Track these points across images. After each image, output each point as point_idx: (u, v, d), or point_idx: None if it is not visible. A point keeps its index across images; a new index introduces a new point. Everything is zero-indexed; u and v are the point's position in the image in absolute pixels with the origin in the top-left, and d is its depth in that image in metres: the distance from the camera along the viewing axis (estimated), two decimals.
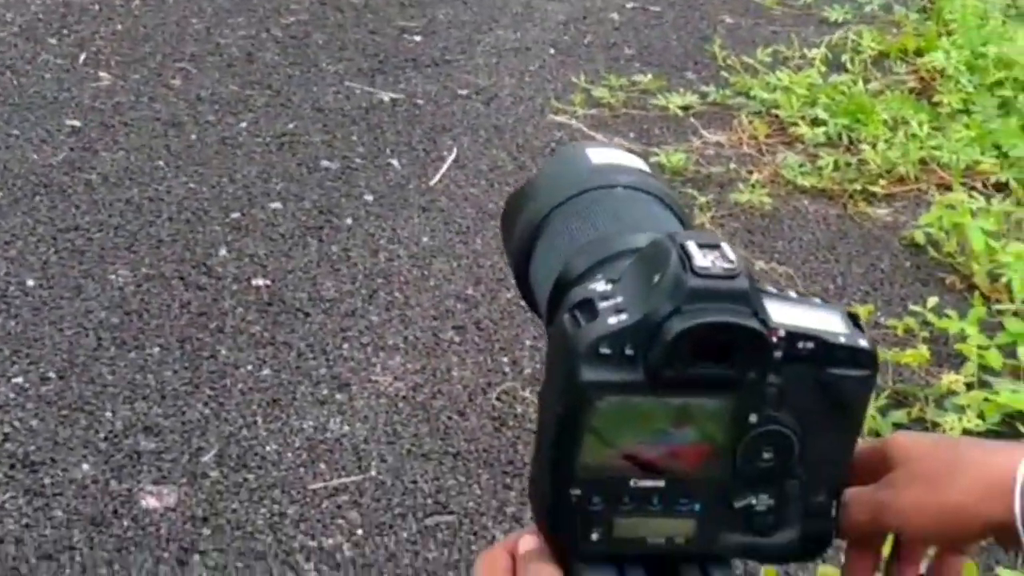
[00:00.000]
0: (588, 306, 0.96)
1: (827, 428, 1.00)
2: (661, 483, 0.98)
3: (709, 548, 1.02)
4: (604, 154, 1.26)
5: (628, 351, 0.93)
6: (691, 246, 0.94)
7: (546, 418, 0.98)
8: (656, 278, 0.94)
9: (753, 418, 0.97)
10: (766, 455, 0.99)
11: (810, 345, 0.97)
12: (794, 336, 0.96)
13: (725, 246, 0.95)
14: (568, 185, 1.21)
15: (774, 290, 1.01)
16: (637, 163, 1.28)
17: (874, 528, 1.05)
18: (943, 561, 1.08)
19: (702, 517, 1.00)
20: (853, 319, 1.02)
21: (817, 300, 1.03)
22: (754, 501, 1.01)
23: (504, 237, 1.30)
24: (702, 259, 0.93)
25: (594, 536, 0.99)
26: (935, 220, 3.56)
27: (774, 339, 0.95)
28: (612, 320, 0.93)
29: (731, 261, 0.94)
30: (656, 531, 1.00)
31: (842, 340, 0.98)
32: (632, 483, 0.97)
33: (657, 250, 0.96)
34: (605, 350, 0.93)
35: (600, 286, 0.98)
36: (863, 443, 1.11)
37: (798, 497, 1.02)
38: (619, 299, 0.95)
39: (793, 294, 1.02)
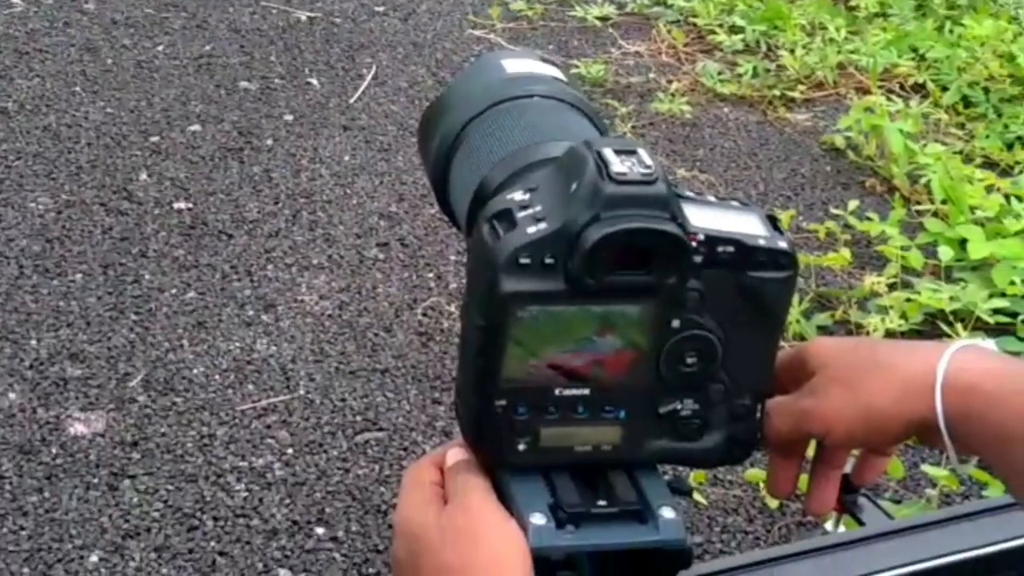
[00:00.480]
0: (507, 216, 0.95)
1: (749, 331, 1.00)
2: (586, 391, 0.98)
3: (635, 455, 1.02)
4: (519, 64, 1.25)
5: (548, 260, 0.92)
6: (608, 153, 0.93)
7: (469, 330, 0.97)
8: (574, 186, 0.93)
9: (675, 323, 0.97)
10: (689, 360, 0.99)
11: (730, 249, 0.97)
12: (714, 240, 0.96)
13: (642, 151, 0.95)
14: (484, 96, 1.20)
15: (692, 194, 1.01)
16: (552, 71, 1.27)
17: (798, 436, 1.05)
18: (866, 462, 1.09)
19: (628, 424, 1.00)
20: (772, 221, 1.02)
21: (735, 203, 1.03)
22: (679, 406, 1.01)
23: (421, 150, 1.29)
24: (619, 165, 0.92)
25: (520, 446, 0.99)
26: (854, 123, 3.58)
27: (694, 244, 0.94)
28: (531, 229, 0.93)
29: (648, 166, 0.93)
30: (582, 439, 1.00)
31: (761, 243, 0.98)
32: (557, 392, 0.98)
33: (574, 158, 0.96)
34: (525, 260, 0.92)
35: (518, 195, 0.97)
36: (783, 351, 1.12)
37: (723, 401, 1.02)
38: (537, 208, 0.95)
39: (712, 198, 1.02)
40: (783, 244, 0.99)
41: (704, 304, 0.97)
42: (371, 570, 2.21)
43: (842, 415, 1.02)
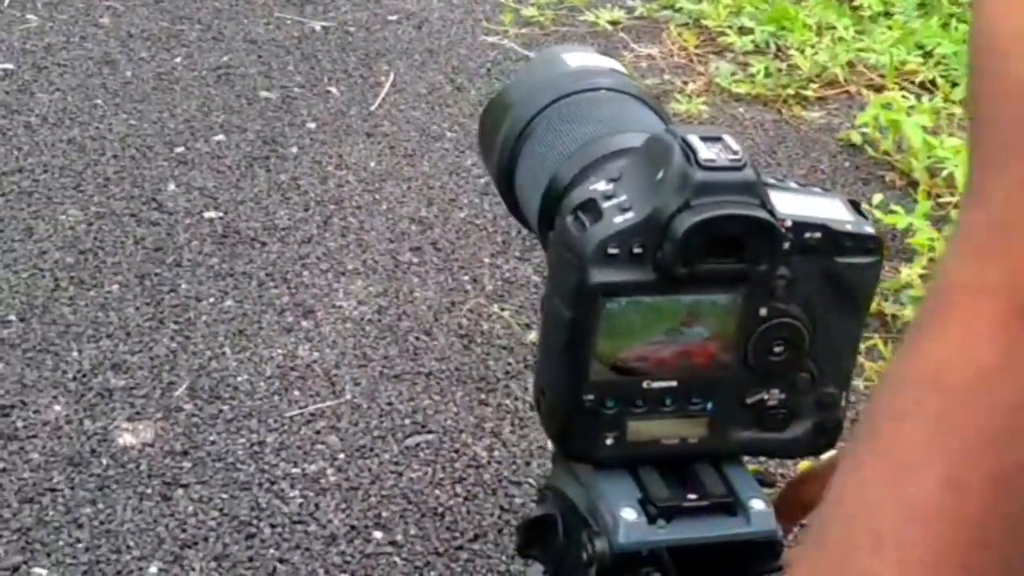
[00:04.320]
0: (592, 207, 0.95)
1: (836, 317, 1.00)
2: (673, 383, 0.98)
3: (721, 446, 1.02)
4: (580, 57, 1.25)
5: (636, 250, 0.92)
6: (694, 139, 0.93)
7: (554, 325, 0.97)
8: (660, 174, 0.93)
9: (763, 311, 0.96)
10: (777, 348, 0.98)
11: (817, 235, 0.96)
12: (801, 226, 0.96)
13: (728, 137, 0.94)
14: (548, 91, 1.20)
15: (775, 180, 1.01)
16: (612, 64, 1.27)
17: None
18: None
19: (715, 415, 1.00)
20: (855, 206, 1.02)
21: (817, 189, 1.03)
22: (766, 396, 1.01)
23: (483, 146, 1.29)
24: (707, 152, 0.92)
25: (608, 441, 0.99)
26: (872, 120, 3.59)
27: (782, 230, 0.94)
28: (618, 219, 0.92)
29: (736, 152, 0.93)
30: (670, 432, 1.00)
31: (848, 228, 0.98)
32: (645, 385, 0.98)
33: (658, 145, 0.95)
34: (613, 250, 0.92)
35: (601, 186, 0.97)
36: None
37: (809, 390, 1.02)
38: (623, 197, 0.94)
39: (793, 184, 1.02)
40: (869, 229, 0.99)
41: (791, 291, 0.97)
42: (432, 574, 2.20)
43: None
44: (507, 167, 1.20)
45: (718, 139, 0.93)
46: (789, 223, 0.95)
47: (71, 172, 3.22)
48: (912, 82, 3.97)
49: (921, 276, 2.98)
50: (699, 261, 0.92)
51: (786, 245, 0.95)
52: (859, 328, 1.03)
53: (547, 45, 4.08)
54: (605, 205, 0.94)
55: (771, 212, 0.93)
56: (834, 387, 1.03)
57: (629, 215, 0.93)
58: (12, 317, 2.70)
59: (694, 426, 1.00)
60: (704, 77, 3.95)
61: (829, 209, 1.00)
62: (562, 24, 4.25)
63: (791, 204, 0.97)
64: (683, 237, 0.90)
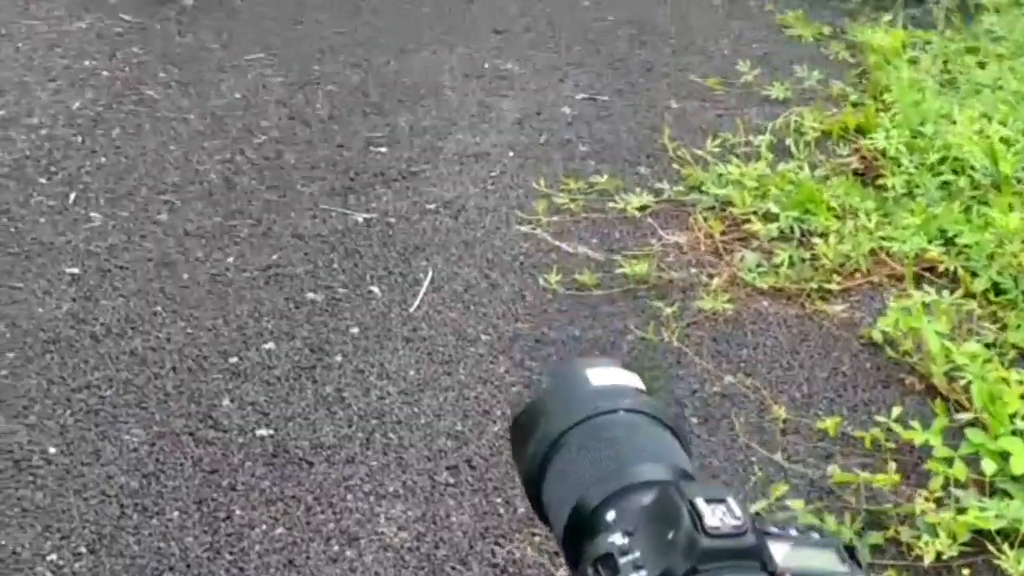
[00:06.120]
0: (609, 562, 1.08)
1: None
2: None
3: None
4: (602, 374, 1.40)
5: None
6: (700, 503, 1.04)
7: None
8: (670, 535, 1.04)
9: None
10: None
11: None
12: None
13: (731, 500, 1.08)
14: (571, 411, 1.35)
15: (776, 529, 1.15)
16: (633, 381, 1.41)
17: None
18: None
19: None
20: (849, 552, 1.17)
21: (815, 536, 1.18)
22: None
23: (515, 455, 1.44)
24: (711, 518, 1.03)
25: None
26: (892, 324, 3.72)
27: None
28: None
29: (738, 517, 1.06)
30: None
31: None
32: None
33: (668, 505, 1.07)
34: None
35: (618, 539, 1.11)
36: None
37: None
38: (637, 554, 1.05)
39: (793, 531, 1.16)
40: None
41: None
42: None
43: None
44: (536, 481, 1.35)
45: (722, 501, 1.04)
46: None
47: (134, 387, 3.40)
48: (933, 271, 4.09)
49: (935, 500, 3.08)
50: None
51: None
52: None
53: (576, 234, 4.25)
54: (622, 560, 1.03)
55: (772, 573, 1.02)
56: None
57: (642, 573, 1.03)
58: (83, 549, 2.87)
59: None
60: (729, 268, 4.10)
61: (823, 560, 1.13)
62: (592, 210, 4.42)
63: (789, 557, 1.11)
64: None
